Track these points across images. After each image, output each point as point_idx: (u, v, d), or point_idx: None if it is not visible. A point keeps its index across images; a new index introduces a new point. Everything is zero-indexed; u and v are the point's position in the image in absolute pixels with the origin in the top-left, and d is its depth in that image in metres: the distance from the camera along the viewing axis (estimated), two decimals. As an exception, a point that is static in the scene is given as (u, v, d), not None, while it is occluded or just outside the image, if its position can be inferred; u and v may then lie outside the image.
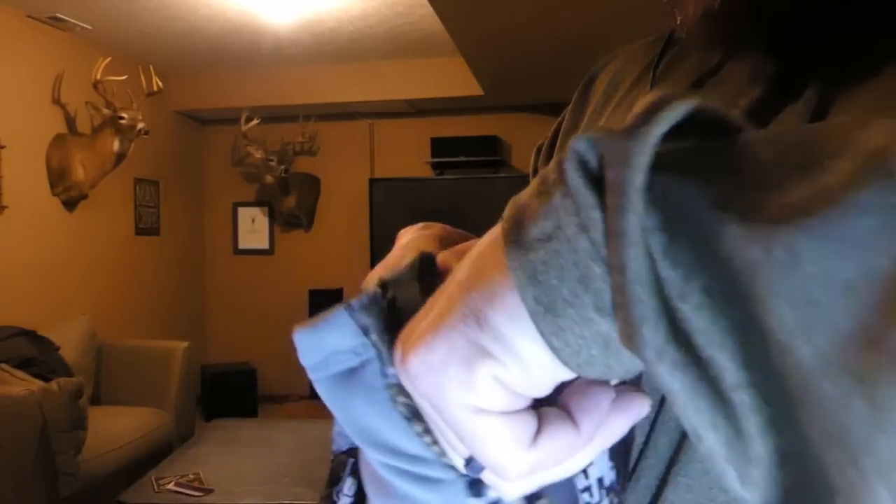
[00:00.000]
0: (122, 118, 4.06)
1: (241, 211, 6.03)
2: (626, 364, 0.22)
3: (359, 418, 0.27)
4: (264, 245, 6.04)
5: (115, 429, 3.50)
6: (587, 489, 0.29)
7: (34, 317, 3.82)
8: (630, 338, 0.20)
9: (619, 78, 0.55)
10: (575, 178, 0.20)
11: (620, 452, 0.29)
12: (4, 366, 3.16)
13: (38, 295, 4.05)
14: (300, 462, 3.02)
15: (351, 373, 0.27)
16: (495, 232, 0.24)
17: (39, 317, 3.87)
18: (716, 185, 0.19)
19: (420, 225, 0.38)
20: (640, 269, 0.19)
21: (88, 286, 4.52)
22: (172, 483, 2.82)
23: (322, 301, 5.58)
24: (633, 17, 2.54)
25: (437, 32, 4.20)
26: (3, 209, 3.82)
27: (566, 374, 0.23)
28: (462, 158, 5.52)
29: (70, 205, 4.34)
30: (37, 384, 3.00)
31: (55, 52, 4.19)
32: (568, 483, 0.28)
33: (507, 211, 0.23)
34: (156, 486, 2.80)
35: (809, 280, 0.16)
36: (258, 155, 5.38)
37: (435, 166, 5.69)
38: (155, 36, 4.48)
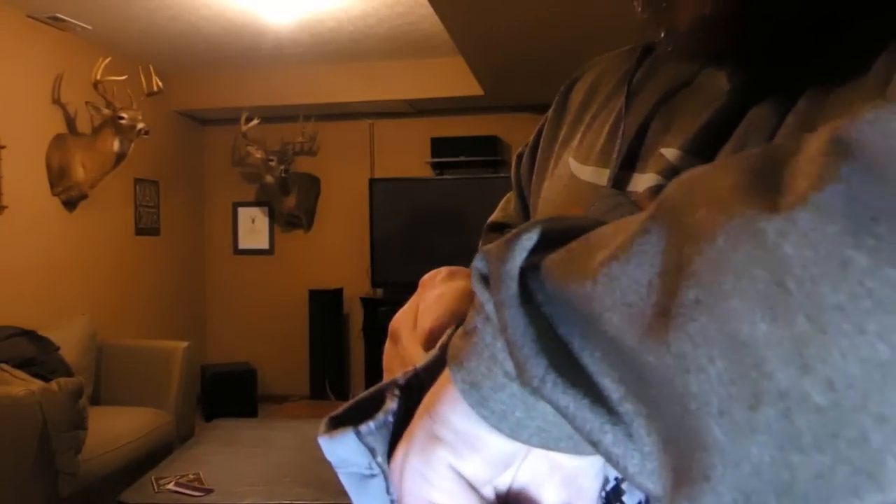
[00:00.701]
0: (122, 118, 4.06)
1: (241, 211, 6.03)
2: (552, 423, 0.26)
3: None
4: (264, 245, 6.04)
5: (115, 429, 3.50)
6: None
7: (34, 317, 3.82)
8: (521, 377, 0.25)
9: (595, 88, 0.57)
10: (477, 286, 0.27)
11: None
12: (4, 366, 3.16)
13: (38, 295, 4.05)
14: (300, 462, 3.02)
15: (363, 477, 0.31)
16: None
17: (39, 317, 3.87)
18: (565, 266, 0.25)
19: (444, 274, 0.41)
20: (517, 325, 0.25)
21: (88, 286, 4.52)
22: (172, 483, 2.82)
23: (322, 301, 5.59)
24: (633, 17, 2.54)
25: (437, 32, 4.20)
26: (3, 209, 3.82)
27: (510, 445, 0.27)
28: (462, 158, 5.52)
29: (70, 205, 4.34)
30: (37, 384, 2.99)
31: (55, 52, 4.19)
32: None
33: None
34: (156, 486, 2.80)
35: (626, 291, 0.22)
36: (258, 155, 5.38)
37: (435, 166, 5.69)
38: (155, 36, 4.48)
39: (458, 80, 5.02)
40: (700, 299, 0.20)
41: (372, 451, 0.30)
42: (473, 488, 0.28)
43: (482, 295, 0.27)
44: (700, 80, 0.46)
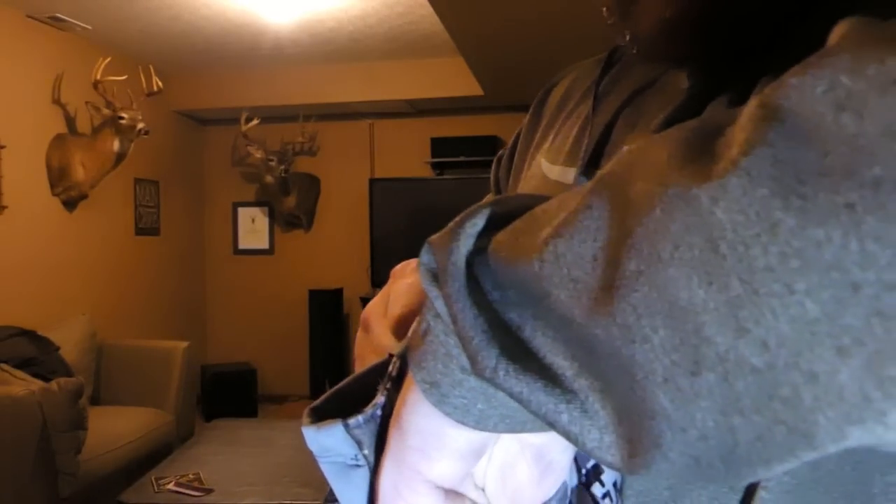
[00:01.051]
0: (122, 118, 4.06)
1: (241, 211, 6.03)
2: (515, 409, 0.26)
3: (348, 501, 0.32)
4: (264, 245, 6.04)
5: (115, 429, 3.50)
6: (606, 495, 0.32)
7: (34, 317, 3.82)
8: (475, 367, 0.25)
9: (569, 93, 0.59)
10: (425, 283, 0.27)
11: None
12: (4, 366, 3.16)
13: (38, 295, 4.05)
14: (300, 462, 3.02)
15: (347, 467, 0.31)
16: None
17: (39, 317, 3.87)
18: (511, 247, 0.25)
19: (415, 264, 0.41)
20: (466, 316, 0.25)
21: (88, 286, 4.52)
22: (172, 483, 2.82)
23: (322, 301, 5.59)
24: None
25: (437, 32, 4.20)
26: (3, 209, 3.82)
27: (479, 435, 0.27)
28: (462, 158, 5.52)
29: (70, 205, 4.34)
30: (37, 384, 3.00)
31: (55, 52, 4.19)
32: (587, 494, 0.32)
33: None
34: (156, 486, 2.80)
35: (572, 267, 0.22)
36: (258, 155, 5.38)
37: (435, 166, 5.69)
38: (155, 36, 4.48)
39: (458, 80, 5.02)
40: (641, 269, 0.20)
41: (359, 443, 0.30)
42: (453, 496, 0.28)
43: (431, 292, 0.27)
44: (664, 79, 0.47)
